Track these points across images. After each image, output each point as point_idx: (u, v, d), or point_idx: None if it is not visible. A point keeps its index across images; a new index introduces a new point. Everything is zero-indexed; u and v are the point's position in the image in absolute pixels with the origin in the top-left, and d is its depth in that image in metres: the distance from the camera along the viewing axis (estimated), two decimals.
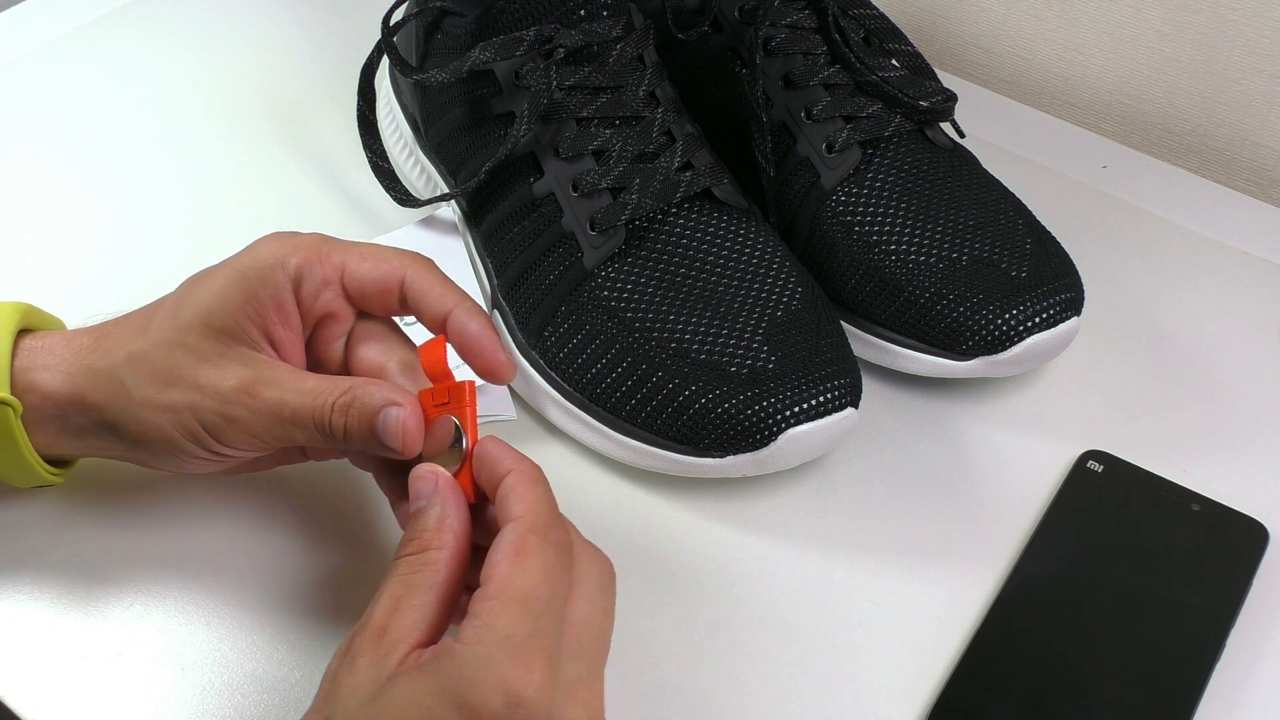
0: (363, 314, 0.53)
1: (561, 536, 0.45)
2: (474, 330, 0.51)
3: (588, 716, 0.43)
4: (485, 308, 0.63)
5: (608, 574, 0.47)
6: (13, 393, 0.50)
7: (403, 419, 0.48)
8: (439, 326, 0.51)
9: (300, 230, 0.53)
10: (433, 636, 0.44)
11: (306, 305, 0.52)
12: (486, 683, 0.41)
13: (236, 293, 0.50)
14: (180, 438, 0.50)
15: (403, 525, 0.50)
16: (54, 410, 0.51)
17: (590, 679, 0.44)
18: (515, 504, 0.46)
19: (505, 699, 0.41)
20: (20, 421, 0.51)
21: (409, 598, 0.44)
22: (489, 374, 0.51)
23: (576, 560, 0.46)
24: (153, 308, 0.52)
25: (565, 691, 0.42)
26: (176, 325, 0.50)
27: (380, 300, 0.52)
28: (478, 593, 0.43)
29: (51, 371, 0.51)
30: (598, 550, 0.47)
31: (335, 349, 0.53)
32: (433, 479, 0.47)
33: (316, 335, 0.53)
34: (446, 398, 0.49)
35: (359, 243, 0.53)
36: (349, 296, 0.52)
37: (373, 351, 0.53)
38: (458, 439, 0.48)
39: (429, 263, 0.52)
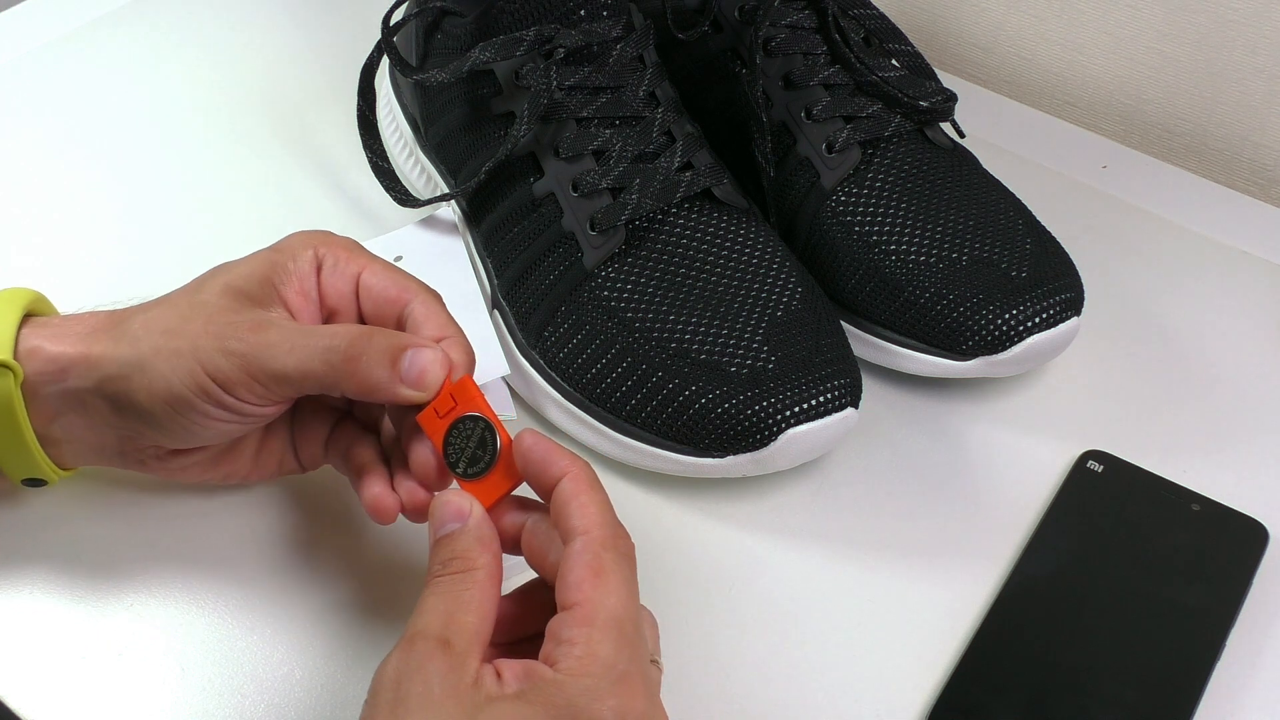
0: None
1: (628, 546, 0.46)
2: (454, 359, 0.50)
3: (664, 715, 0.45)
4: (485, 308, 0.63)
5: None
6: (16, 359, 0.50)
7: (439, 361, 0.49)
8: None
9: (303, 227, 0.55)
10: (486, 646, 0.44)
11: (324, 290, 0.52)
12: (597, 712, 0.42)
13: (264, 265, 0.51)
14: (185, 390, 0.49)
15: (371, 509, 0.51)
16: (55, 374, 0.50)
17: (658, 678, 0.46)
18: (579, 515, 0.46)
19: None
20: (20, 392, 0.50)
21: (462, 613, 0.44)
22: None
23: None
24: (175, 290, 0.53)
25: (653, 699, 0.44)
26: (198, 290, 0.51)
27: (380, 312, 0.53)
28: (564, 616, 0.44)
29: (59, 340, 0.51)
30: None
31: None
32: (464, 507, 0.47)
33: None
34: (451, 403, 0.49)
35: (382, 259, 0.54)
36: (357, 299, 0.53)
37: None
38: (482, 441, 0.49)
39: (437, 296, 0.53)
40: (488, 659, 0.45)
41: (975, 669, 0.53)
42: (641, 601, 0.48)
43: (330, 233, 0.54)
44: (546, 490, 0.47)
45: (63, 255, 0.69)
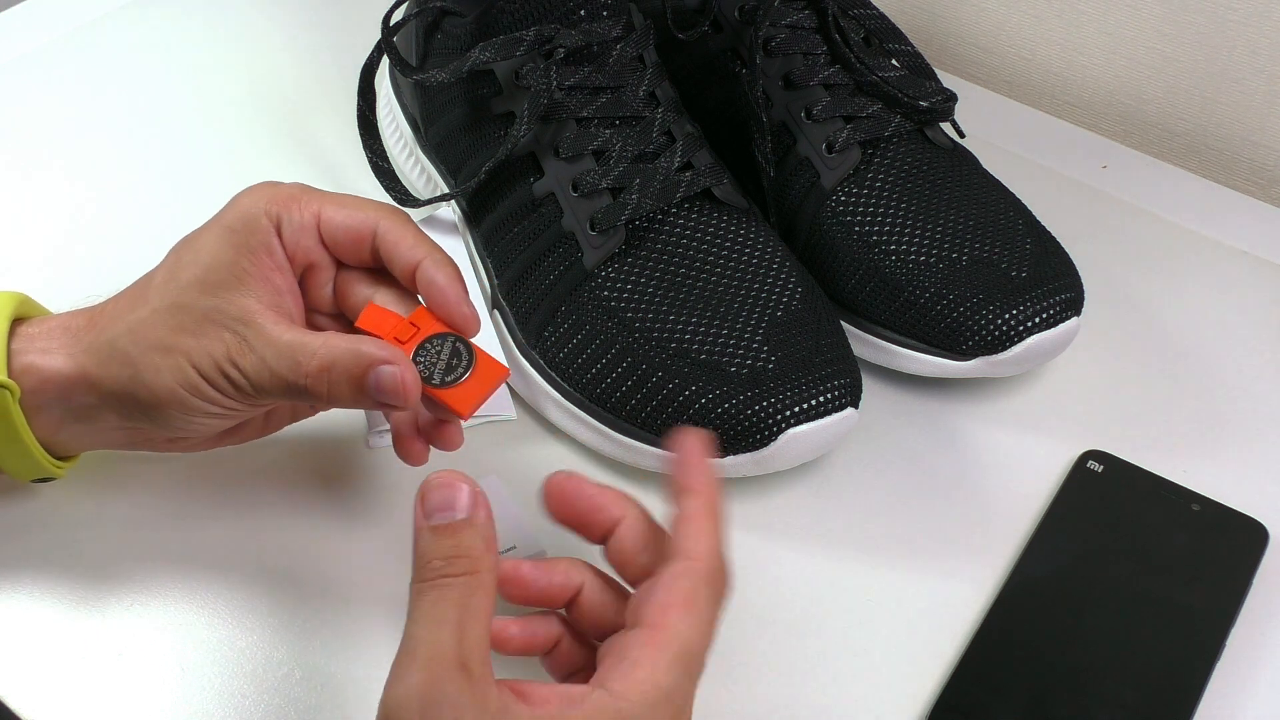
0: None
1: (724, 587, 0.45)
2: (440, 281, 0.51)
3: None
4: (485, 308, 0.63)
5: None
6: (10, 377, 0.50)
7: (400, 375, 0.48)
8: (409, 278, 0.52)
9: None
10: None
11: (290, 251, 0.52)
12: None
13: (228, 249, 0.51)
14: (188, 395, 0.50)
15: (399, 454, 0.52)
16: (55, 392, 0.51)
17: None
18: (693, 539, 0.44)
19: None
20: (19, 406, 0.51)
21: (472, 624, 0.42)
22: (455, 326, 0.51)
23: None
24: (147, 278, 0.53)
25: None
26: (175, 288, 0.51)
27: (353, 250, 0.53)
28: (637, 634, 0.42)
29: (51, 354, 0.51)
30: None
31: (325, 293, 0.54)
32: (466, 490, 0.44)
33: (304, 283, 0.54)
34: (412, 330, 0.50)
35: (337, 193, 0.53)
36: (325, 245, 0.53)
37: (358, 288, 0.53)
38: (455, 351, 0.49)
39: (403, 215, 0.53)
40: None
41: (975, 669, 0.53)
42: None
43: (275, 184, 0.53)
44: (674, 492, 0.46)
45: (63, 254, 0.69)
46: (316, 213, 0.52)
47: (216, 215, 0.53)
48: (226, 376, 0.50)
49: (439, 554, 0.43)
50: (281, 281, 0.52)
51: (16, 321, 0.52)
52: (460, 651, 0.41)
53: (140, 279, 0.53)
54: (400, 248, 0.52)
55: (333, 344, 0.49)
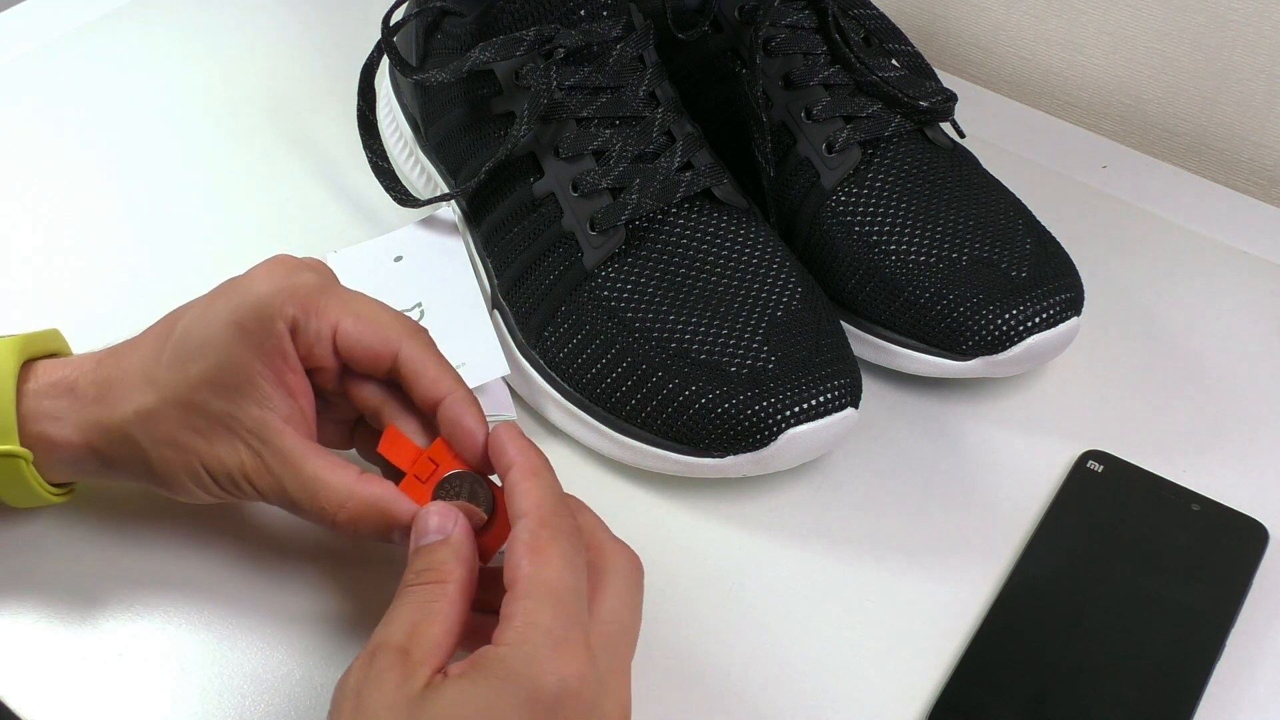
0: None
1: (568, 523, 0.47)
2: (466, 424, 0.50)
3: (620, 709, 0.45)
4: (486, 308, 0.63)
5: (635, 570, 0.48)
6: (22, 442, 0.51)
7: (423, 529, 0.48)
8: (430, 409, 0.51)
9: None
10: (447, 659, 0.45)
11: (303, 354, 0.51)
12: (539, 676, 0.42)
13: (241, 349, 0.50)
14: (197, 489, 0.51)
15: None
16: (67, 455, 0.52)
17: (620, 672, 0.46)
18: (521, 500, 0.47)
19: (558, 689, 0.42)
20: (32, 468, 0.52)
21: (427, 624, 0.45)
22: (475, 467, 0.50)
23: (604, 556, 0.47)
24: (153, 347, 0.52)
25: (601, 682, 0.44)
26: (184, 381, 0.50)
27: (370, 367, 0.51)
28: (507, 596, 0.44)
29: (61, 424, 0.51)
30: (625, 546, 0.48)
31: (334, 385, 0.53)
32: (449, 520, 0.48)
33: (311, 378, 0.52)
34: (432, 466, 0.50)
35: (356, 298, 0.52)
36: (338, 354, 0.51)
37: (369, 391, 0.52)
38: (473, 494, 0.49)
39: (424, 338, 0.52)
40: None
41: (975, 669, 0.53)
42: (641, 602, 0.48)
43: (295, 276, 0.52)
44: (501, 475, 0.49)
45: (63, 254, 0.69)
46: (334, 325, 0.51)
47: (226, 296, 0.51)
48: (238, 486, 0.51)
49: (414, 568, 0.47)
50: (295, 382, 0.51)
51: (26, 365, 0.52)
52: (405, 642, 0.44)
53: (144, 341, 0.52)
54: (423, 380, 0.51)
55: (360, 496, 0.49)
